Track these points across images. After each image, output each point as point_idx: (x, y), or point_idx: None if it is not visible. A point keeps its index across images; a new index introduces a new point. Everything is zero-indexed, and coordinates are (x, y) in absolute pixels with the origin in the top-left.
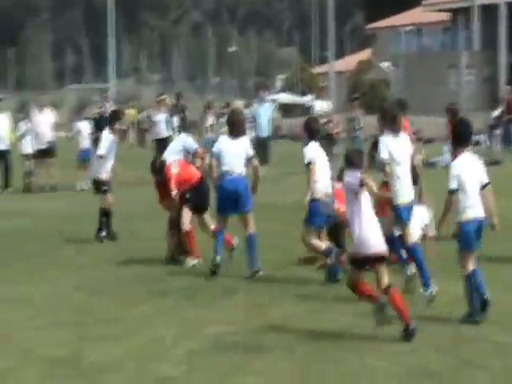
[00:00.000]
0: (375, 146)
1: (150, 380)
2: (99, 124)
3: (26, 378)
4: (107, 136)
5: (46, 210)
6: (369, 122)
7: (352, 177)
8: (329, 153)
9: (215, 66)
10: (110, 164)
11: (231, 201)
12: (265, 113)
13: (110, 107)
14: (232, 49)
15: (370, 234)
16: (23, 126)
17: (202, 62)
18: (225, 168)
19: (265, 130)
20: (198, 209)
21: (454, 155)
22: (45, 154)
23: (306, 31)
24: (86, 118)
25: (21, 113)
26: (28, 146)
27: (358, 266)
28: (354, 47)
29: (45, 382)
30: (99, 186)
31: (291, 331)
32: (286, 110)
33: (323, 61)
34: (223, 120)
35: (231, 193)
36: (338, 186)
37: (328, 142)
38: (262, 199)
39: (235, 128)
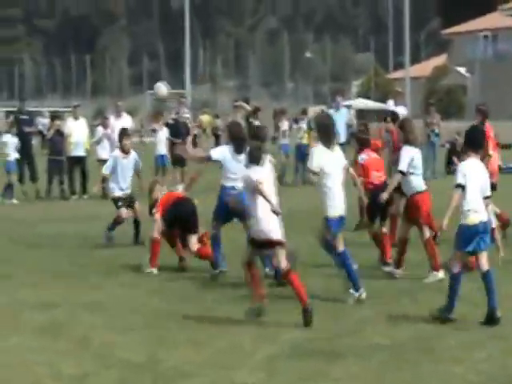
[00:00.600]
0: (452, 152)
1: None
2: (174, 130)
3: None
4: (113, 154)
5: None
6: (446, 128)
7: (252, 174)
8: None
9: (290, 72)
10: (126, 181)
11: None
12: (341, 119)
13: (185, 113)
14: (307, 55)
15: (269, 222)
16: (100, 131)
17: (278, 68)
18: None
19: (341, 136)
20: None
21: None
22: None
23: (382, 36)
24: (162, 124)
25: (97, 119)
26: (104, 152)
27: (256, 248)
28: (430, 52)
29: None
30: (115, 203)
31: (367, 337)
32: (361, 115)
33: (399, 66)
34: (298, 126)
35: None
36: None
37: None
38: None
39: (331, 137)
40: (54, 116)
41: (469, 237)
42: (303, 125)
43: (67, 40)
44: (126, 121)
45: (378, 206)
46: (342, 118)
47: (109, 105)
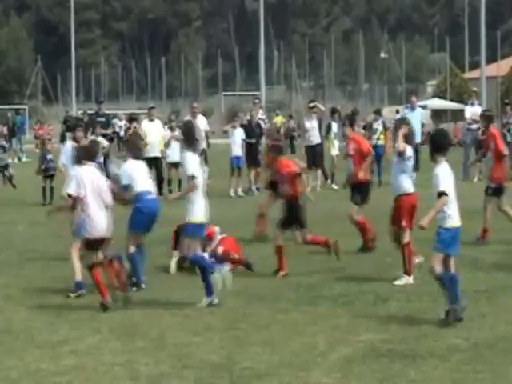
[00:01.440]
0: None
1: None
2: (249, 131)
3: (180, 383)
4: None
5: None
6: None
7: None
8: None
9: (365, 73)
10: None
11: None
12: (416, 119)
13: (260, 114)
14: (382, 55)
15: (101, 219)
16: (168, 134)
17: (352, 68)
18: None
19: (416, 136)
20: None
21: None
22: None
23: (458, 36)
24: (236, 126)
25: (172, 121)
26: (174, 155)
27: (91, 248)
28: (506, 52)
29: None
30: None
31: (445, 339)
32: (437, 115)
33: (474, 66)
34: (374, 127)
35: None
36: None
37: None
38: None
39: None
40: (132, 118)
41: (451, 239)
42: (379, 126)
43: (143, 42)
44: (202, 122)
45: None
46: (417, 118)
47: (184, 106)
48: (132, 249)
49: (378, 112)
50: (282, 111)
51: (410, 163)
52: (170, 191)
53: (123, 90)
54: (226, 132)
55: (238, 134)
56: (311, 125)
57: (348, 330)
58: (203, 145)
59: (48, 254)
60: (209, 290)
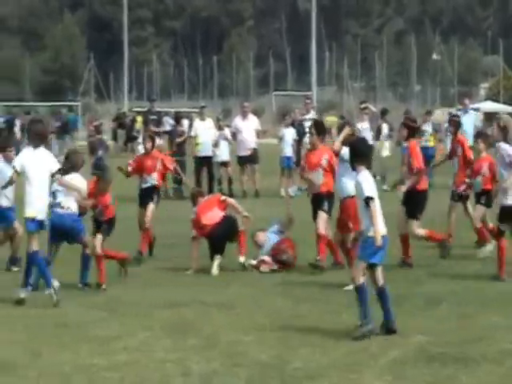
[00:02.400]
0: None
1: None
2: (300, 131)
3: (231, 382)
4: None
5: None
6: None
7: None
8: None
9: (417, 74)
10: None
11: None
12: (469, 121)
13: (311, 114)
14: (435, 57)
15: None
16: (215, 133)
17: (404, 69)
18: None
19: (469, 139)
20: None
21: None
22: (248, 160)
23: (511, 39)
24: (288, 125)
25: (223, 120)
26: (224, 154)
27: None
28: None
29: None
30: None
31: (499, 343)
32: (489, 118)
33: None
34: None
35: None
36: None
37: None
38: None
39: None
40: (178, 117)
41: (376, 248)
42: (428, 127)
43: (195, 41)
44: (253, 122)
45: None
46: (470, 121)
47: (235, 106)
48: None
49: (428, 113)
50: (335, 111)
51: None
52: (221, 190)
53: (175, 89)
54: (280, 138)
55: (289, 134)
56: (363, 126)
57: (399, 332)
58: (253, 144)
59: None
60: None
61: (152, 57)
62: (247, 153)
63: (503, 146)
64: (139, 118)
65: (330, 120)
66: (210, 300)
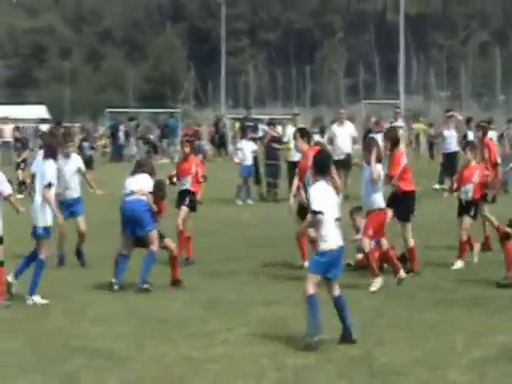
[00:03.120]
0: None
1: None
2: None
3: (322, 376)
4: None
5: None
6: None
7: None
8: None
9: (502, 85)
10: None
11: None
12: None
13: (400, 122)
14: None
15: None
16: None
17: (489, 80)
18: None
19: None
20: None
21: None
22: (342, 164)
23: None
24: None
25: (315, 127)
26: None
27: None
28: None
29: (339, 381)
30: None
31: None
32: None
33: None
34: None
35: None
36: None
37: None
38: None
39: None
40: (271, 123)
41: (327, 263)
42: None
43: (289, 52)
44: (349, 128)
45: None
46: None
47: (326, 113)
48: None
49: (511, 121)
50: (423, 118)
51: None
52: None
53: (269, 97)
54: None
55: (379, 139)
56: (449, 133)
57: (484, 331)
58: (349, 149)
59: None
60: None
61: (248, 67)
62: (341, 157)
63: None
64: (236, 125)
65: (418, 127)
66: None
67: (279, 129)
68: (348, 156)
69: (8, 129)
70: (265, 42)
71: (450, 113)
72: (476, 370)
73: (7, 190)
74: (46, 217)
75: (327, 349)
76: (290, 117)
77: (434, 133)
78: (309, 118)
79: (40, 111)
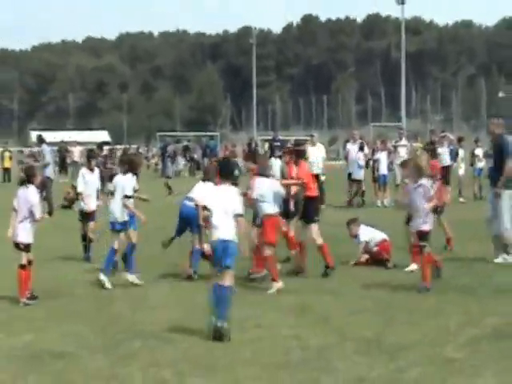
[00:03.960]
0: None
1: (439, 359)
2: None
3: (341, 353)
4: (84, 172)
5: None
6: None
7: None
8: None
9: (486, 109)
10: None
11: None
12: None
13: (403, 141)
14: (500, 94)
15: None
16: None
17: (476, 105)
18: None
19: None
20: None
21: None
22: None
23: None
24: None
25: (331, 145)
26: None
27: None
28: None
29: (355, 356)
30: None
31: None
32: None
33: None
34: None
35: None
36: None
37: None
38: None
39: None
40: (298, 144)
41: (215, 253)
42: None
43: (309, 84)
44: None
45: None
46: None
47: (341, 134)
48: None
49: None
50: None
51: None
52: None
53: (293, 121)
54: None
55: (384, 156)
56: (442, 150)
57: (475, 314)
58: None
59: None
60: None
61: (275, 97)
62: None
63: None
64: (266, 145)
65: (417, 146)
66: (323, 288)
67: None
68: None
69: (77, 150)
70: (289, 76)
71: (444, 133)
72: (469, 347)
73: (38, 213)
74: (123, 215)
75: (344, 330)
76: (308, 138)
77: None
78: (326, 139)
79: (102, 135)
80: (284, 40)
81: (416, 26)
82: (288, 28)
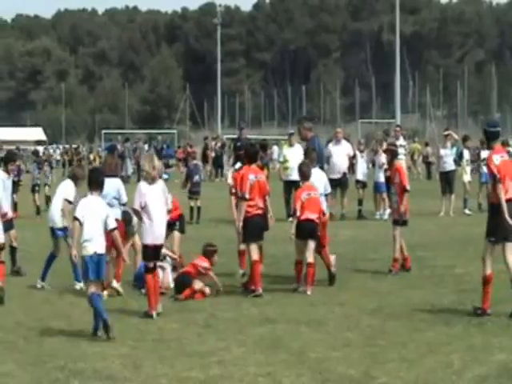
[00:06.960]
0: None
1: None
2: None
3: None
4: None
5: (343, 236)
6: None
7: None
8: None
9: (498, 103)
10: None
11: None
12: None
13: (401, 141)
14: None
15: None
16: None
17: (485, 98)
18: None
19: None
20: None
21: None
22: (338, 183)
23: None
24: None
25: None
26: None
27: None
28: None
29: None
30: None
31: None
32: None
33: None
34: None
35: None
36: None
37: None
38: None
39: None
40: (264, 145)
41: (90, 266)
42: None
43: (284, 72)
44: (345, 147)
45: None
46: None
47: (323, 133)
48: None
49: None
50: (418, 139)
51: None
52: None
53: (265, 117)
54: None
55: (378, 160)
56: (445, 152)
57: (482, 350)
58: (345, 168)
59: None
60: None
61: (243, 87)
62: (337, 176)
63: None
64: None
65: (413, 147)
66: (301, 318)
67: (275, 149)
68: (344, 175)
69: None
70: (260, 63)
71: (447, 132)
72: None
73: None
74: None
75: (324, 369)
76: (286, 137)
77: (431, 152)
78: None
79: (36, 133)
80: (254, 19)
81: (413, 4)
82: (259, 5)
